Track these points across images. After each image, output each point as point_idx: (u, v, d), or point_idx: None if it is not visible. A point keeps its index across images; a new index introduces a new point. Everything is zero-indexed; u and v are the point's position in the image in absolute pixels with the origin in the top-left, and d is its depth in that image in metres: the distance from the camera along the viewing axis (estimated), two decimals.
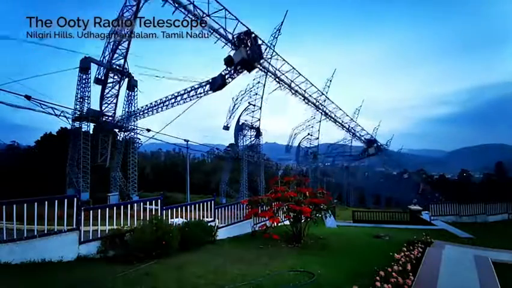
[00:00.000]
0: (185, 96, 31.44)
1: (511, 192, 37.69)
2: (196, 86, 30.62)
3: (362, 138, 42.17)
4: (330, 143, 63.41)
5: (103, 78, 30.89)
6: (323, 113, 38.79)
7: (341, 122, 40.37)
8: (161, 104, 33.27)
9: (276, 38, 34.45)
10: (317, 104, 36.80)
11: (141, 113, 34.37)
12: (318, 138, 51.49)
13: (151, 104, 34.08)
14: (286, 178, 11.81)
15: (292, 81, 32.52)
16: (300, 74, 32.53)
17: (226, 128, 43.16)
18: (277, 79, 31.81)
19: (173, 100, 32.30)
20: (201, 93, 30.43)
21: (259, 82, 38.68)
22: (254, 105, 39.84)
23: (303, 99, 35.10)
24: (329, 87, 46.84)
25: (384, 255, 7.20)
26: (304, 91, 34.28)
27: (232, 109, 41.75)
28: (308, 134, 50.31)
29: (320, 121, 48.54)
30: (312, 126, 49.71)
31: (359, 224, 17.69)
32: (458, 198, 24.61)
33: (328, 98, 38.22)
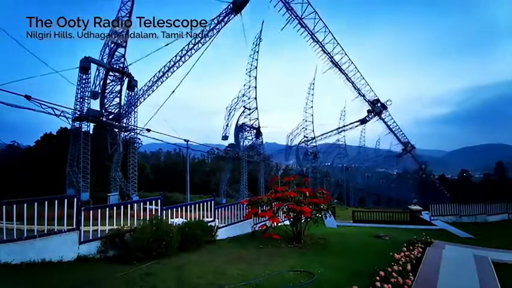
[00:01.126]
0: (202, 37, 29.03)
1: (511, 192, 37.71)
2: (215, 22, 28.61)
3: (366, 97, 40.16)
4: (329, 143, 63.91)
5: (99, 91, 30.66)
6: (331, 60, 35.18)
7: (348, 76, 37.00)
8: (179, 61, 30.63)
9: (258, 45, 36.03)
10: (326, 50, 34.38)
11: (157, 80, 32.07)
12: (314, 138, 51.99)
13: (168, 63, 31.04)
14: (286, 178, 11.82)
15: (302, 17, 30.75)
16: (313, 8, 30.80)
17: (225, 137, 43.75)
18: (290, 12, 30.17)
19: (191, 48, 29.62)
20: (221, 24, 28.58)
21: (249, 87, 39.53)
22: (249, 109, 40.68)
23: (313, 40, 32.76)
24: (313, 89, 47.58)
25: (384, 255, 7.20)
26: (314, 31, 32.23)
27: (228, 118, 42.28)
28: (304, 137, 51.19)
29: (313, 122, 49.09)
30: (305, 129, 50.44)
31: (359, 224, 17.67)
32: (458, 198, 24.62)
33: (340, 46, 34.73)
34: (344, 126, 47.14)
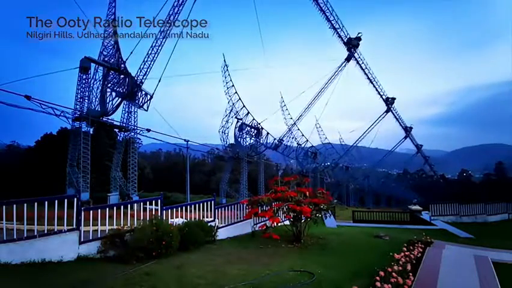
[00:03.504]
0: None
1: (511, 192, 37.71)
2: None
3: (342, 34, 39.82)
4: (331, 143, 64.31)
5: (99, 113, 30.33)
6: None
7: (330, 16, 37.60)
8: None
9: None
10: None
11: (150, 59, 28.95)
12: (307, 140, 53.38)
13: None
14: (286, 178, 11.83)
15: None
16: None
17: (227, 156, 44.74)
18: None
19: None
20: None
21: (233, 104, 40.98)
22: (241, 119, 42.01)
23: None
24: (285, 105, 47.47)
25: (384, 255, 7.20)
26: None
27: (223, 139, 43.32)
28: (298, 144, 52.55)
29: (298, 128, 49.97)
30: (294, 138, 51.40)
31: (359, 224, 17.67)
32: (458, 198, 24.60)
33: None
34: (335, 73, 43.15)
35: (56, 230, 6.54)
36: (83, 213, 6.95)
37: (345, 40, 40.19)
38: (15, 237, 6.05)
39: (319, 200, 9.58)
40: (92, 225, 7.46)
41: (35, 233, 6.28)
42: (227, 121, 42.45)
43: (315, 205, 9.40)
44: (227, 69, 39.86)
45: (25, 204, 6.17)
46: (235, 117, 41.93)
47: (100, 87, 31.16)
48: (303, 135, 52.55)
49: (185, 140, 28.24)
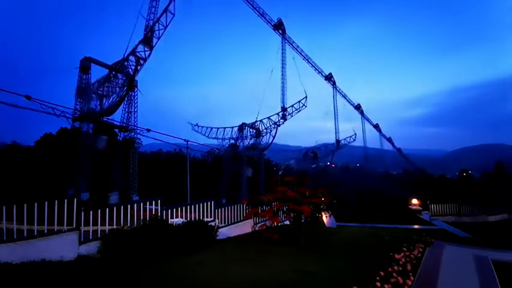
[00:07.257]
0: None
1: (511, 192, 37.70)
2: None
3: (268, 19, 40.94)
4: (329, 142, 64.37)
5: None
6: None
7: None
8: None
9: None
10: None
11: None
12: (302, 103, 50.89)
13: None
14: (286, 178, 11.83)
15: None
16: None
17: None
18: None
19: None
20: None
21: (222, 139, 43.83)
22: (233, 138, 43.92)
23: None
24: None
25: (384, 255, 7.20)
26: None
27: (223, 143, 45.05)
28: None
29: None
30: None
31: (359, 224, 17.69)
32: (458, 198, 24.62)
33: None
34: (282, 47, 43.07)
35: (56, 230, 6.54)
36: (83, 213, 6.95)
37: (272, 24, 42.65)
38: (15, 237, 6.05)
39: (319, 200, 9.58)
40: (92, 225, 7.47)
41: (35, 233, 6.29)
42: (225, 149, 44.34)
43: (315, 205, 9.41)
44: (198, 126, 44.70)
45: (25, 205, 6.18)
46: (231, 139, 43.91)
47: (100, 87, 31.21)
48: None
49: (185, 140, 28.34)
